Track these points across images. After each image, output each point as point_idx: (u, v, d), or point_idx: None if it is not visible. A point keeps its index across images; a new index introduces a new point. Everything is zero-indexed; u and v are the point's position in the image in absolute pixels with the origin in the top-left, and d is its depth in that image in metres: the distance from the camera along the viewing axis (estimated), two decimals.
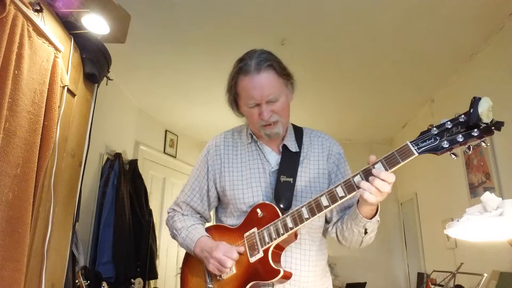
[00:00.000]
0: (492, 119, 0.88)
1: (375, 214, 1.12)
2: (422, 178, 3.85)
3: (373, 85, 3.40)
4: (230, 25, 2.57)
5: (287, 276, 1.13)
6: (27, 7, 1.37)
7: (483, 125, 0.89)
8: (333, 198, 1.05)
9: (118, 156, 3.19)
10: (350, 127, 4.42)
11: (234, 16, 2.47)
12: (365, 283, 4.14)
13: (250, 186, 1.25)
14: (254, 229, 1.17)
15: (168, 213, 1.43)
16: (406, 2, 2.30)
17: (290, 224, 1.10)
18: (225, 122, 4.34)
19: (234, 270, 1.18)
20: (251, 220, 1.20)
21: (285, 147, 1.29)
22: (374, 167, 1.00)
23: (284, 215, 1.13)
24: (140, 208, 3.27)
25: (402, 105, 3.81)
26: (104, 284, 2.38)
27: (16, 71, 1.30)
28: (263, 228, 1.15)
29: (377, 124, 4.31)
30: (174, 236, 1.36)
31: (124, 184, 3.09)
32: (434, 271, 2.91)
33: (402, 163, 0.97)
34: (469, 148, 0.92)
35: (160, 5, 2.35)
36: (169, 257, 4.13)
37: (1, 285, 1.20)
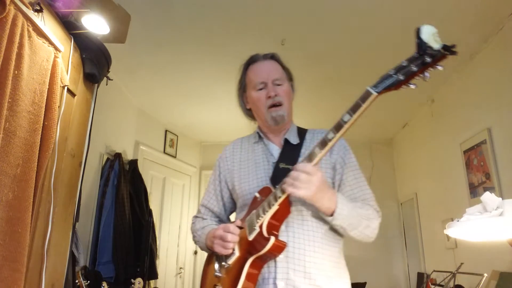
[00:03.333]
0: (443, 44, 0.91)
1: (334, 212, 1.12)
2: (422, 178, 3.84)
3: None
4: (230, 25, 2.57)
5: (280, 245, 1.13)
6: (27, 7, 1.37)
7: (435, 52, 0.92)
8: (310, 160, 1.08)
9: (118, 156, 3.19)
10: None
11: (234, 16, 2.47)
12: (365, 283, 4.13)
13: (255, 178, 1.33)
14: (253, 211, 1.21)
15: (192, 220, 1.51)
16: (405, 2, 2.30)
17: (279, 194, 1.12)
18: (225, 122, 4.39)
19: (237, 253, 1.19)
20: (253, 206, 1.24)
21: (286, 141, 1.36)
22: (342, 119, 1.01)
23: (275, 189, 1.15)
24: (140, 208, 3.27)
25: (402, 105, 3.80)
26: (104, 284, 2.38)
27: (16, 71, 1.30)
28: (259, 206, 1.18)
29: (377, 124, 4.30)
30: (194, 240, 1.45)
31: (124, 184, 3.09)
32: (434, 271, 2.91)
33: (363, 105, 0.99)
34: (424, 76, 0.94)
35: (160, 5, 2.35)
36: (169, 257, 4.12)
37: (1, 285, 1.19)
